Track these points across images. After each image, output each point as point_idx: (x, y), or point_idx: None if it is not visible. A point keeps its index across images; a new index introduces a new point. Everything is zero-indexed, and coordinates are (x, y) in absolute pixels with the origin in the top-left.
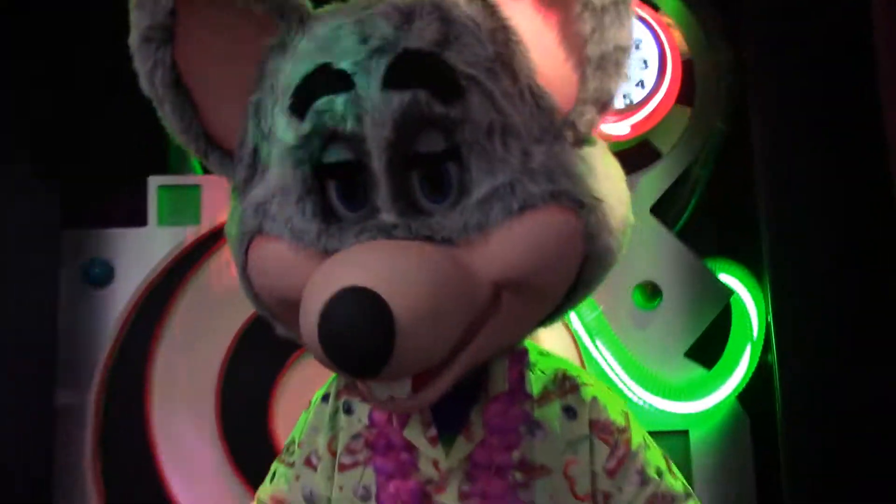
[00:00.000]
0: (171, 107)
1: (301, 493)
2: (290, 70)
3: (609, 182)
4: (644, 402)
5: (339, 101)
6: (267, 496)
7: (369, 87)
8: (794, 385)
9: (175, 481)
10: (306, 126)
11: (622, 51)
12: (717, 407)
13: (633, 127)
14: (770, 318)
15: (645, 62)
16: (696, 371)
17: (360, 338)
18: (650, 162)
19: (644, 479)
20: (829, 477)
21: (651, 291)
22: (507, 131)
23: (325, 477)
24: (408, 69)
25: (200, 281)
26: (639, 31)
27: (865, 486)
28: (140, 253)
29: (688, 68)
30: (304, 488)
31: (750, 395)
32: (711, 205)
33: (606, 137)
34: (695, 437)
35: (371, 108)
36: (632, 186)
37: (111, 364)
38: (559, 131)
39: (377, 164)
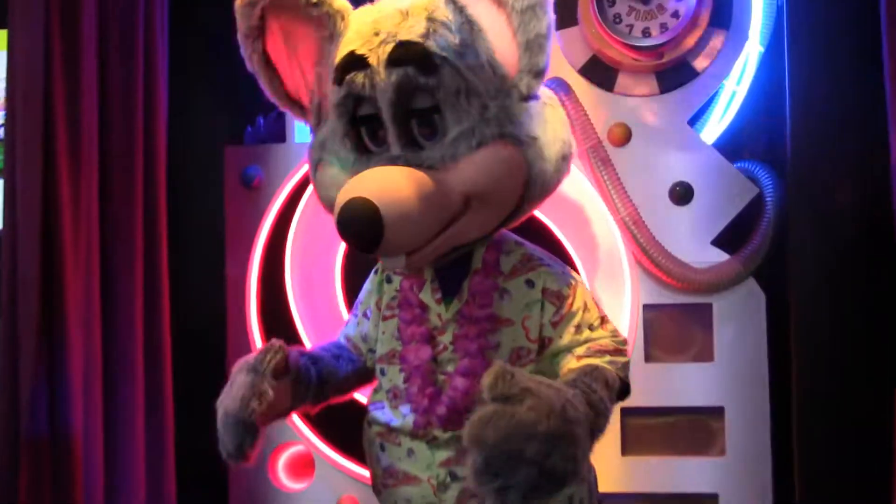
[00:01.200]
0: (264, 78)
1: (360, 334)
2: (336, 53)
3: (546, 126)
4: None
5: (360, 75)
6: (342, 335)
7: (378, 65)
8: (804, 269)
9: (308, 329)
10: (342, 91)
11: (542, 37)
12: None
13: (670, 50)
14: (788, 212)
15: None
16: (720, 256)
17: (357, 229)
18: (689, 80)
19: (578, 330)
20: (830, 341)
21: (685, 190)
22: (471, 93)
23: (374, 325)
24: (401, 53)
25: None
26: None
27: (859, 351)
28: (282, 162)
29: None
30: (362, 332)
31: (766, 276)
32: (745, 115)
33: (649, 59)
34: (717, 308)
35: (379, 80)
36: (672, 101)
37: (265, 244)
38: (509, 91)
39: (386, 116)
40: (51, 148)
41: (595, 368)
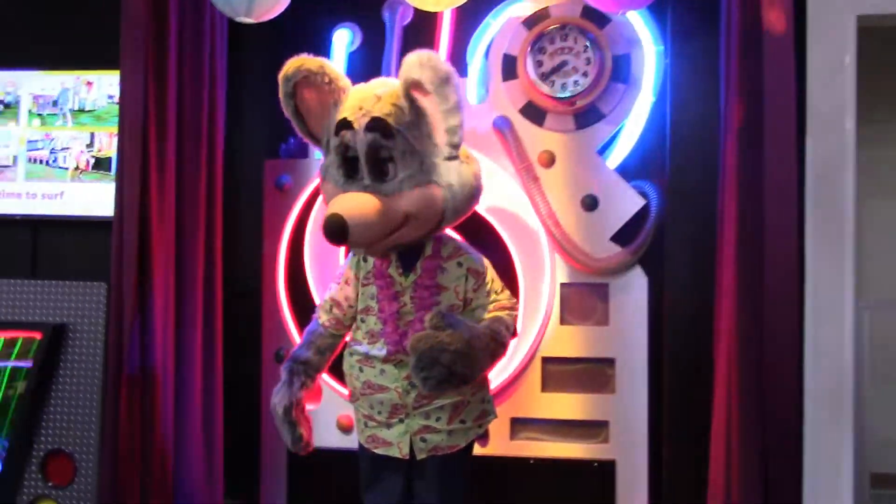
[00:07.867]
0: (296, 123)
1: (343, 295)
2: (336, 117)
3: (458, 177)
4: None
5: (349, 134)
6: (329, 296)
7: (359, 129)
8: (676, 260)
9: (316, 286)
10: (337, 141)
11: (458, 125)
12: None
13: (582, 99)
14: (666, 219)
15: (588, 60)
16: (615, 249)
17: (333, 231)
18: (597, 120)
19: (488, 295)
20: (691, 314)
21: (592, 200)
22: (414, 153)
23: (354, 289)
24: (373, 124)
25: None
26: (583, 42)
27: (710, 321)
28: (305, 172)
29: (626, 59)
30: (345, 294)
31: (649, 263)
32: (639, 147)
33: (567, 106)
34: (612, 287)
35: (359, 139)
36: (584, 136)
37: (291, 230)
38: (438, 153)
39: (362, 160)
40: (146, 159)
41: (499, 318)
